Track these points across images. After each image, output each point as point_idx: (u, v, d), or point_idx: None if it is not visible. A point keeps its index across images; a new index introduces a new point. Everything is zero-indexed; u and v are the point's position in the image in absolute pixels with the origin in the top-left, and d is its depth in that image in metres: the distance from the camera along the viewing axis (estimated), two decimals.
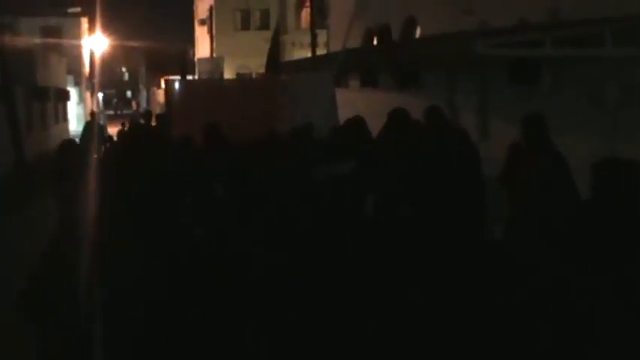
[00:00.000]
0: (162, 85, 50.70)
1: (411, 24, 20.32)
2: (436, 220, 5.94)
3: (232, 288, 5.28)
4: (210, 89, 13.00)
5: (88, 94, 43.65)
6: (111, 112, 71.23)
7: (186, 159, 7.69)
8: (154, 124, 14.70)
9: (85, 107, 42.64)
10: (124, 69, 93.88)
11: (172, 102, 11.39)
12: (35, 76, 24.48)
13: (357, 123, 7.32)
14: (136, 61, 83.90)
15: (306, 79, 13.21)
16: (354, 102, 16.73)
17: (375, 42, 23.47)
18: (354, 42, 21.64)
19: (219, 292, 5.29)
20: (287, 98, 10.97)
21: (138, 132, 12.18)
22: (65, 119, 33.49)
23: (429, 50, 15.18)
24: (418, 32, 20.10)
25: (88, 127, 20.68)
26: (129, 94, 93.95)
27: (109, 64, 69.62)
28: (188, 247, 5.86)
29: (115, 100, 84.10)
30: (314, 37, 27.40)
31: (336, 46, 26.96)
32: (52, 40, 32.80)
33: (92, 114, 22.76)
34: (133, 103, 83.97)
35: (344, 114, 10.10)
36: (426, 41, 16.53)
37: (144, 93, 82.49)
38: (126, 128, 17.42)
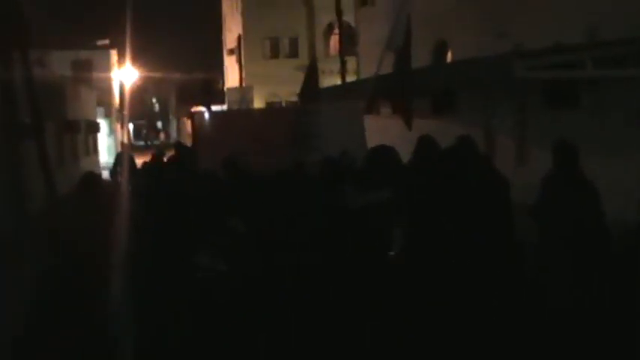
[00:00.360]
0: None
1: (441, 48, 20.00)
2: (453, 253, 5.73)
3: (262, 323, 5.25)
4: (237, 120, 12.92)
5: (118, 126, 43.75)
6: (141, 143, 71.51)
7: (211, 194, 7.44)
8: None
9: (115, 139, 42.74)
10: (154, 99, 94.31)
11: (198, 133, 11.30)
12: (65, 109, 24.48)
13: (386, 151, 7.11)
14: (166, 91, 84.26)
15: (335, 108, 13.11)
16: (386, 129, 16.35)
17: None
18: (385, 68, 21.29)
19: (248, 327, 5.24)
20: (315, 127, 10.87)
21: (159, 166, 12.19)
22: (96, 151, 33.52)
23: (464, 74, 14.93)
24: (449, 57, 19.78)
25: (119, 159, 20.43)
26: (159, 124, 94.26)
27: (140, 94, 70.05)
28: (206, 287, 5.77)
29: (145, 131, 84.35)
30: (343, 63, 27.22)
31: (366, 73, 26.75)
32: (82, 74, 32.87)
33: (123, 145, 22.57)
34: (161, 134, 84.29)
35: (376, 141, 9.42)
36: (461, 65, 16.14)
37: (174, 123, 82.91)
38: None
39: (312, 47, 40.89)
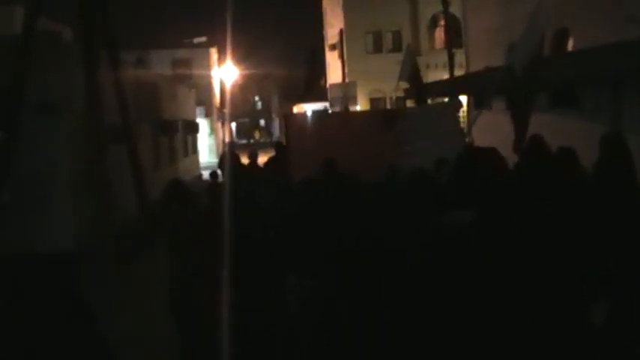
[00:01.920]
0: (295, 111, 50.27)
1: (562, 36, 18.27)
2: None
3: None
4: (330, 123, 12.34)
5: (219, 125, 43.29)
6: (244, 142, 71.48)
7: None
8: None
9: (216, 138, 42.27)
10: (256, 98, 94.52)
11: (291, 136, 10.96)
12: (162, 109, 23.80)
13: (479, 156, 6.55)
14: (268, 89, 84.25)
15: (430, 110, 12.74)
16: (499, 125, 14.90)
17: None
18: (496, 60, 19.97)
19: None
20: (409, 131, 10.44)
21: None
22: (195, 151, 32.91)
23: (588, 65, 13.40)
24: (571, 45, 18.04)
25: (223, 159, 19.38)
26: (262, 122, 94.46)
27: (242, 93, 69.98)
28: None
29: (244, 129, 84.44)
30: (451, 56, 25.77)
31: (475, 66, 25.25)
32: (181, 72, 32.33)
33: (230, 144, 21.66)
34: (255, 133, 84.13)
35: (487, 139, 9.53)
36: (584, 54, 14.52)
37: (276, 121, 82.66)
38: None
39: (415, 40, 39.38)
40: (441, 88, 24.05)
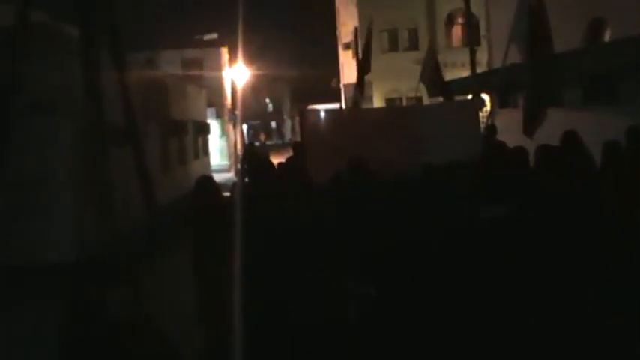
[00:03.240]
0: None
1: (597, 27, 17.15)
2: None
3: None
4: (348, 120, 11.80)
5: (230, 127, 42.25)
6: (257, 143, 70.44)
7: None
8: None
9: (228, 140, 41.20)
10: (267, 99, 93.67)
11: (307, 134, 10.29)
12: (172, 110, 22.73)
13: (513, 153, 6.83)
14: (280, 91, 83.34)
15: (449, 108, 12.44)
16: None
17: None
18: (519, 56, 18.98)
19: None
20: (428, 129, 9.99)
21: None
22: (206, 153, 31.84)
23: (628, 56, 12.55)
24: (607, 37, 16.92)
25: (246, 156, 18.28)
26: (273, 124, 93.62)
27: (253, 94, 68.90)
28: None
29: (252, 131, 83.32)
30: (472, 52, 24.67)
31: (499, 63, 24.16)
32: (192, 73, 31.25)
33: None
34: (261, 135, 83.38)
35: (511, 138, 9.33)
36: (623, 45, 13.43)
37: (288, 123, 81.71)
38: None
39: (432, 38, 38.27)
40: (462, 85, 22.95)
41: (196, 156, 28.13)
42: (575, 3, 17.35)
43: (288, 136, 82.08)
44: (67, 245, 12.60)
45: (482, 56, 33.11)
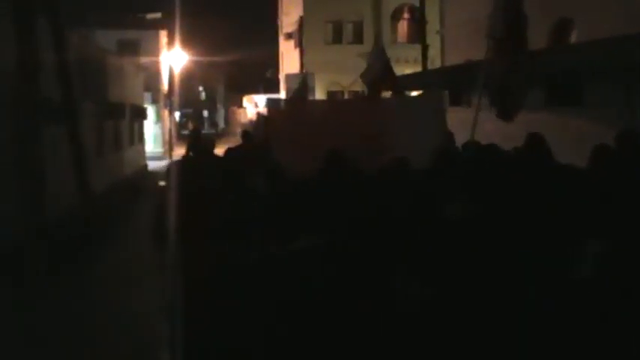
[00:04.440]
0: (245, 103, 48.20)
1: (563, 27, 16.59)
2: None
3: None
4: (313, 111, 11.36)
5: (165, 113, 40.78)
6: (186, 132, 68.69)
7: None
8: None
9: (162, 127, 39.73)
10: (200, 88, 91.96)
11: (273, 124, 10.21)
12: (108, 91, 21.35)
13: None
14: (214, 79, 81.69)
15: (414, 100, 12.34)
16: (480, 124, 13.32)
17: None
18: (476, 53, 18.39)
19: None
20: (391, 122, 9.59)
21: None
22: (141, 140, 30.43)
23: (595, 58, 12.12)
24: (573, 38, 16.38)
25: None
26: (205, 113, 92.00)
27: (186, 82, 67.13)
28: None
29: (185, 119, 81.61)
30: (425, 48, 24.18)
31: (453, 59, 23.57)
32: (128, 56, 29.75)
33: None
34: (189, 124, 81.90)
35: (462, 138, 9.07)
36: (590, 46, 12.96)
37: (221, 112, 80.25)
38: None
39: (378, 32, 37.63)
40: (413, 81, 22.26)
41: (132, 142, 26.76)
42: (541, 3, 16.80)
43: (221, 125, 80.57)
44: None
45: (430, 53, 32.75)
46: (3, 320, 8.68)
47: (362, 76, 15.16)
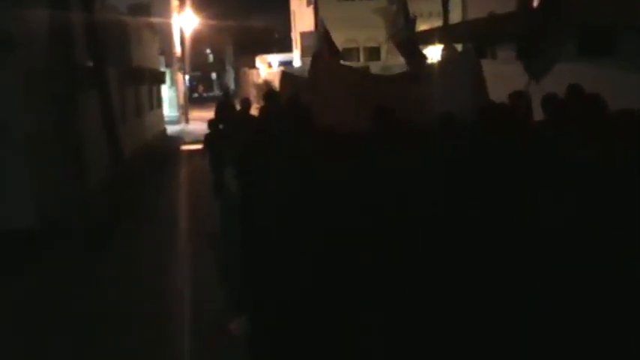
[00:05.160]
0: (258, 64, 47.61)
1: None
2: None
3: None
4: (350, 76, 10.91)
5: (179, 76, 40.35)
6: (195, 95, 68.08)
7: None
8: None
9: (177, 91, 39.34)
10: (208, 50, 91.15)
11: (319, 82, 9.84)
12: (128, 56, 21.02)
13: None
14: (222, 41, 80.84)
15: (444, 63, 11.46)
16: (507, 78, 12.92)
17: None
18: (502, 6, 17.98)
19: None
20: (424, 90, 9.41)
21: None
22: (160, 105, 30.14)
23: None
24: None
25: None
26: (213, 76, 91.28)
27: (194, 45, 66.54)
28: None
29: (195, 82, 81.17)
30: (445, 1, 23.65)
31: (475, 13, 23.08)
32: (143, 18, 29.23)
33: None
34: (199, 87, 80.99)
35: (491, 94, 8.88)
36: None
37: (231, 74, 79.50)
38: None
39: None
40: (436, 36, 21.81)
41: (151, 107, 26.48)
42: None
43: (231, 87, 79.95)
44: (26, 214, 10.99)
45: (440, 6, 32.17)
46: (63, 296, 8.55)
47: (392, 37, 14.81)
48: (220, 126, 11.14)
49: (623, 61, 13.49)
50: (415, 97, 9.47)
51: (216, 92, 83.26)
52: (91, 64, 13.15)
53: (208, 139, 10.61)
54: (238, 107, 12.07)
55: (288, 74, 12.56)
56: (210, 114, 15.27)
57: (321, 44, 16.75)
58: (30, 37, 11.60)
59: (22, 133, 11.03)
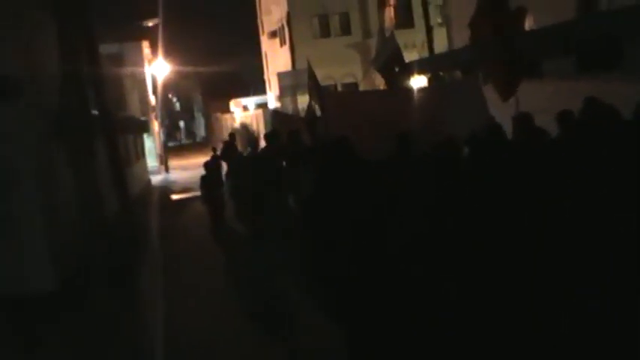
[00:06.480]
0: (232, 107, 47.20)
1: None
2: None
3: None
4: (366, 100, 11.94)
5: (155, 125, 39.74)
6: (172, 144, 67.26)
7: None
8: None
9: (155, 140, 38.63)
10: (174, 98, 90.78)
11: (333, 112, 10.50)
12: (116, 105, 20.50)
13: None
14: (189, 87, 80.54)
15: (452, 85, 12.55)
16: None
17: None
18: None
19: None
20: (435, 109, 10.03)
21: None
22: (144, 155, 29.49)
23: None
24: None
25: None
26: (181, 124, 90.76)
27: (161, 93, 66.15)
28: None
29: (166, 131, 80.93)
30: (429, 31, 23.60)
31: (461, 42, 22.95)
32: (125, 68, 28.75)
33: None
34: (177, 134, 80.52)
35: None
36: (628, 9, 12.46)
37: (201, 121, 79.05)
38: None
39: (364, 22, 37.11)
40: (421, 66, 21.63)
41: (137, 157, 25.86)
42: None
43: (201, 134, 79.22)
44: (44, 274, 10.34)
45: (415, 37, 32.17)
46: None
47: (373, 62, 14.86)
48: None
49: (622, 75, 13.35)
50: (414, 108, 10.13)
51: (185, 140, 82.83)
52: (96, 112, 12.77)
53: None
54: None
55: (278, 113, 13.11)
56: (190, 161, 15.64)
57: (313, 82, 16.59)
58: (39, 82, 11.16)
59: (34, 182, 10.48)
